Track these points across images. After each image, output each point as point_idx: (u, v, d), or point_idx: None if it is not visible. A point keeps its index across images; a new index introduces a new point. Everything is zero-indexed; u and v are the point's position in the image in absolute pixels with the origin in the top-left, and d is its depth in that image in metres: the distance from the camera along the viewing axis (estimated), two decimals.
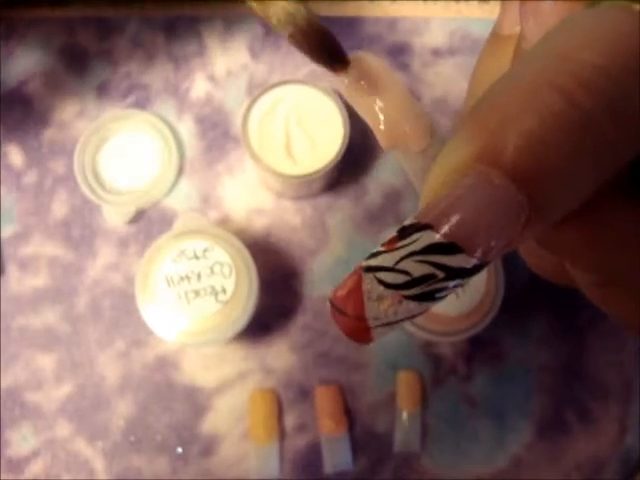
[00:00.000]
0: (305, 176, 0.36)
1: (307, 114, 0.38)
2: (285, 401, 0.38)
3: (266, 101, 0.37)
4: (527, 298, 0.40)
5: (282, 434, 0.38)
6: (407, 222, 0.14)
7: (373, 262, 0.14)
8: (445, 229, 0.13)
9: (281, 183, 0.38)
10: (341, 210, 0.41)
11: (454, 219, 0.13)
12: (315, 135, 0.37)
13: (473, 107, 0.13)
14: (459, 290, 0.34)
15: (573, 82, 0.12)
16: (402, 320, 0.14)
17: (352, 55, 0.20)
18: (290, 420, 0.38)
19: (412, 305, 0.14)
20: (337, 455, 0.37)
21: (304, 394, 0.38)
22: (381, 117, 0.19)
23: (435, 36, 0.44)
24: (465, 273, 0.13)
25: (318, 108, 0.38)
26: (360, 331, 0.15)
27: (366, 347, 0.39)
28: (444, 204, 0.13)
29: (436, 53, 0.43)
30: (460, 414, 0.39)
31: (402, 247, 0.14)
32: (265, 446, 0.37)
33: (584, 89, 0.12)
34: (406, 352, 0.39)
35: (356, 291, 0.14)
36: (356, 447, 0.38)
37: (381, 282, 0.14)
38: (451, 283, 0.14)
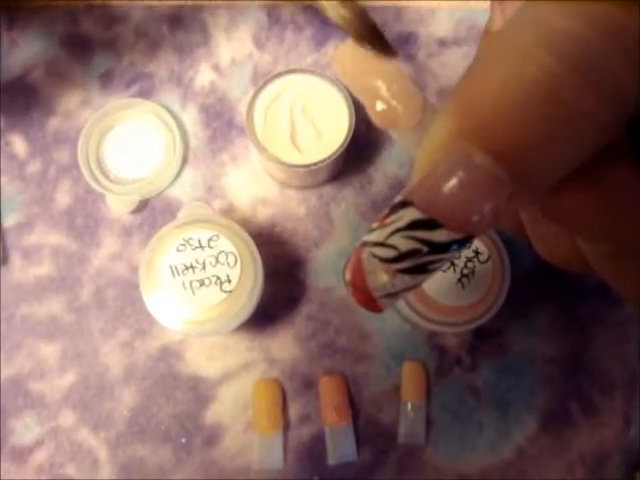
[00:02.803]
0: (310, 165, 0.36)
1: (312, 103, 0.37)
2: (289, 391, 0.38)
3: (271, 90, 0.37)
4: (532, 290, 0.40)
5: (286, 424, 0.38)
6: (396, 199, 0.14)
7: (369, 238, 0.15)
8: (425, 206, 0.13)
9: (286, 173, 0.38)
10: (346, 200, 0.41)
11: (435, 197, 0.13)
12: (320, 124, 0.37)
13: (455, 86, 0.13)
14: (465, 280, 0.34)
15: (545, 50, 0.12)
16: (402, 291, 0.15)
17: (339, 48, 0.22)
18: (294, 410, 0.38)
19: (407, 278, 0.15)
20: (341, 446, 0.37)
21: (308, 385, 0.38)
22: (379, 99, 0.19)
23: (441, 26, 0.43)
24: (450, 247, 0.14)
25: (323, 97, 0.37)
26: (369, 302, 0.15)
27: (370, 338, 0.39)
28: (426, 182, 0.13)
29: (442, 43, 0.43)
30: (464, 405, 0.39)
31: (390, 223, 0.14)
32: (269, 436, 0.37)
33: (556, 56, 0.12)
34: (410, 343, 0.39)
35: (358, 266, 0.15)
36: (360, 438, 0.38)
37: (375, 256, 0.15)
38: (439, 256, 0.14)
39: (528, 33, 0.12)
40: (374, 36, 0.21)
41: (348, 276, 0.16)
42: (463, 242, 0.14)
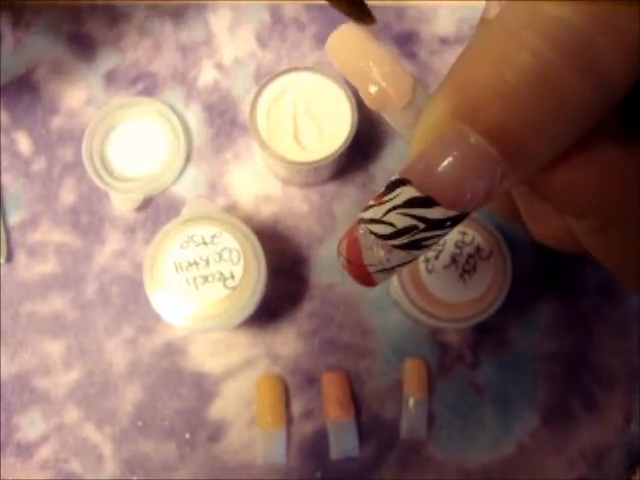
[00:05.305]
0: (313, 163, 0.36)
1: (315, 101, 0.38)
2: (292, 387, 0.39)
3: (274, 88, 0.37)
4: (533, 286, 0.40)
5: (289, 420, 0.38)
6: (392, 178, 0.15)
7: (365, 215, 0.15)
8: (422, 184, 0.14)
9: (289, 170, 0.38)
10: (348, 197, 0.41)
11: (430, 175, 0.14)
12: (323, 122, 0.37)
13: (451, 68, 0.14)
14: (466, 277, 0.34)
15: (537, 35, 0.12)
16: (397, 266, 0.16)
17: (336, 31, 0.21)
18: (297, 406, 0.38)
19: (402, 253, 0.15)
20: (343, 441, 0.38)
21: (311, 381, 0.39)
22: (370, 82, 0.20)
23: (443, 24, 0.43)
24: (444, 224, 0.14)
25: (326, 95, 0.38)
26: (363, 276, 0.16)
27: (372, 334, 0.39)
28: (422, 161, 0.14)
29: (444, 41, 0.43)
30: (466, 401, 0.39)
31: (387, 201, 0.15)
32: (272, 432, 0.37)
33: (547, 41, 0.12)
34: (413, 339, 0.39)
35: (354, 241, 0.16)
36: (362, 434, 0.38)
37: (372, 233, 0.15)
38: (434, 233, 0.15)
39: (521, 18, 0.13)
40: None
41: (344, 252, 0.16)
42: (457, 219, 0.14)
